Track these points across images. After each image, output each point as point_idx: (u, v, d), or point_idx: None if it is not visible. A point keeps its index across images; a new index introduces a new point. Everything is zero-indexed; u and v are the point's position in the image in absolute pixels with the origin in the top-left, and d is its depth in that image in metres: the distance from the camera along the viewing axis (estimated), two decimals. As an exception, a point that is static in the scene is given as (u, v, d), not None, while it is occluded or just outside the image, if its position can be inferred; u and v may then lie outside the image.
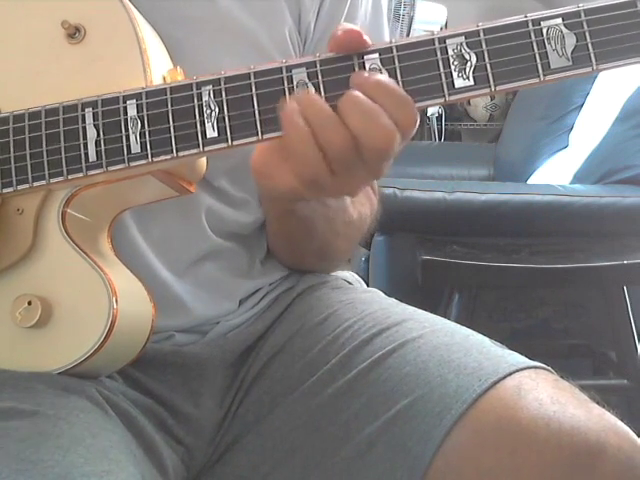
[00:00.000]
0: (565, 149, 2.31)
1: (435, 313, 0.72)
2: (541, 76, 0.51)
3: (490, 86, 0.51)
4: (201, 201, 0.70)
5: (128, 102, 0.55)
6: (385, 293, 0.80)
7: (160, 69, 0.58)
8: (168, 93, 0.55)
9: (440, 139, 3.21)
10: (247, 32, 0.69)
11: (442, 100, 0.52)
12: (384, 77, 0.51)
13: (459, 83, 0.51)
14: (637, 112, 1.93)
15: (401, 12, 2.64)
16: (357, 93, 0.51)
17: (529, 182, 2.31)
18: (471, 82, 0.51)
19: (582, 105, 2.25)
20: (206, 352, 0.70)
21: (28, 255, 0.59)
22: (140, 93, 0.55)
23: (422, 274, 1.64)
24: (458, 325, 0.70)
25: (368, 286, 0.84)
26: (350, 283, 0.82)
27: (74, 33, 0.58)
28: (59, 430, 0.53)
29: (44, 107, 0.57)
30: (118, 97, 0.56)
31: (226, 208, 0.72)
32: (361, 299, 0.75)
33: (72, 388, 0.58)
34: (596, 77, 2.35)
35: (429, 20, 2.77)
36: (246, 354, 0.73)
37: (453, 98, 0.52)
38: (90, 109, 0.56)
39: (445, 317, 0.72)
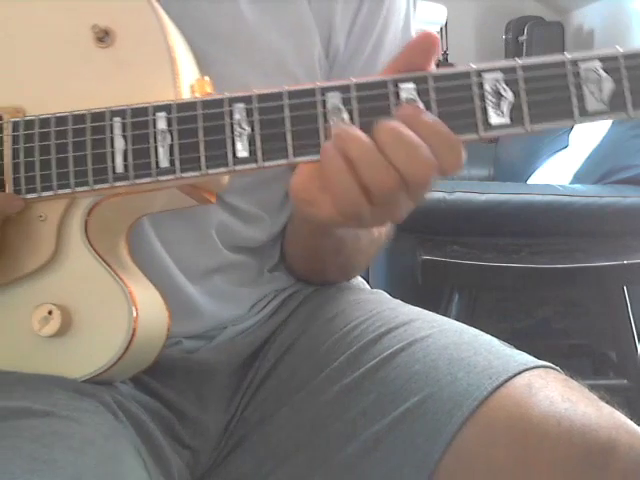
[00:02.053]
0: (565, 149, 2.31)
1: (435, 313, 0.72)
2: (577, 119, 0.49)
3: (525, 126, 0.50)
4: (213, 216, 0.69)
5: (158, 114, 0.54)
6: (385, 293, 0.80)
7: (188, 78, 0.57)
8: (199, 108, 0.54)
9: (440, 139, 3.20)
10: (275, 51, 0.68)
11: (476, 136, 0.50)
12: (432, 116, 0.50)
13: (494, 120, 0.50)
14: (637, 112, 1.93)
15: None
16: (402, 127, 0.49)
17: (529, 182, 2.31)
18: (507, 120, 0.50)
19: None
20: (214, 357, 0.70)
21: (49, 263, 0.58)
22: (170, 105, 0.54)
23: (422, 274, 1.64)
24: (465, 325, 0.70)
25: (370, 287, 0.84)
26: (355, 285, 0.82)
27: (103, 37, 0.57)
28: (72, 431, 0.53)
29: (71, 113, 0.56)
30: (148, 108, 0.54)
31: (239, 224, 0.72)
32: (368, 299, 0.76)
33: (85, 391, 0.58)
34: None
35: (429, 20, 2.77)
36: (253, 357, 0.73)
37: (487, 135, 0.50)
38: (119, 119, 0.55)
39: (445, 317, 0.72)
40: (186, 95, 0.56)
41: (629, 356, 1.70)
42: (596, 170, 1.97)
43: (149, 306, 0.59)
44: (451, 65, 3.38)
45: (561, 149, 2.32)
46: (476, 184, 2.20)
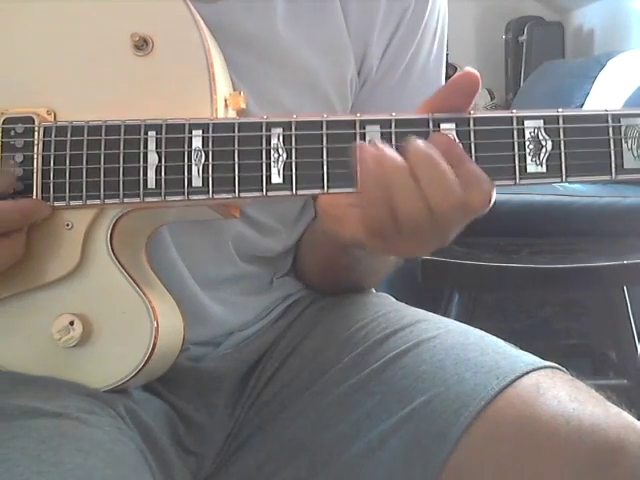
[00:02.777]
0: (565, 149, 2.31)
1: (435, 313, 0.72)
2: (613, 175, 0.50)
3: (562, 177, 0.50)
4: (230, 227, 0.69)
5: (194, 132, 0.53)
6: (385, 293, 0.80)
7: (223, 92, 0.57)
8: (236, 130, 0.53)
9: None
10: (307, 69, 0.68)
11: (512, 183, 0.50)
12: (462, 150, 0.50)
13: (531, 169, 0.50)
14: (637, 112, 1.93)
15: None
16: (434, 151, 0.50)
17: (529, 182, 2.31)
18: (543, 169, 0.50)
19: (582, 105, 2.25)
20: (222, 365, 0.70)
21: (74, 272, 0.58)
22: (207, 125, 0.54)
23: (422, 274, 1.64)
24: (471, 327, 0.70)
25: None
26: None
27: (142, 45, 0.56)
28: (80, 433, 0.53)
29: (105, 122, 0.55)
30: (184, 125, 0.54)
31: (255, 235, 0.72)
32: (373, 302, 0.76)
33: (97, 395, 0.58)
34: (596, 77, 2.35)
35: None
36: (258, 362, 0.73)
37: (523, 182, 0.50)
38: (154, 133, 0.54)
39: (445, 317, 0.72)
40: (221, 111, 0.56)
41: (629, 356, 1.70)
42: (596, 170, 1.97)
43: (168, 318, 0.59)
44: (452, 66, 3.38)
45: (561, 149, 2.32)
46: (476, 184, 2.20)
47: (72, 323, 0.57)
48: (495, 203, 1.82)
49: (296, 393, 0.68)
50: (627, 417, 0.59)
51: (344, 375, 0.66)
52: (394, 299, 0.79)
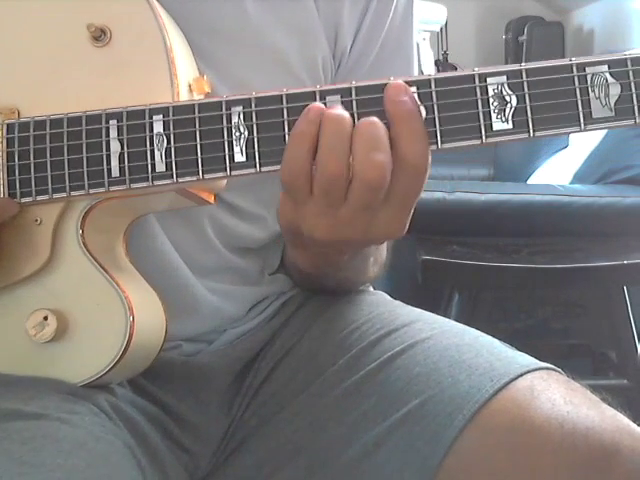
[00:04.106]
0: (565, 149, 2.31)
1: (435, 313, 0.72)
2: (582, 125, 0.48)
3: (529, 131, 0.49)
4: (207, 214, 0.69)
5: (154, 117, 0.53)
6: (385, 293, 0.80)
7: (186, 77, 0.57)
8: (196, 111, 0.53)
9: (440, 139, 3.20)
10: (278, 51, 0.67)
11: (478, 142, 0.50)
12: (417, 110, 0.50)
13: (497, 126, 0.49)
14: (637, 112, 1.93)
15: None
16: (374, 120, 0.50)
17: (529, 182, 2.31)
18: (510, 126, 0.49)
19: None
20: (213, 361, 0.70)
21: (45, 267, 0.58)
22: (167, 108, 0.53)
23: (422, 274, 1.64)
24: (466, 326, 0.70)
25: (373, 288, 0.84)
26: None
27: (99, 36, 0.56)
28: (62, 434, 0.53)
29: (66, 115, 0.55)
30: (144, 111, 0.54)
31: (238, 222, 0.71)
32: (368, 301, 0.75)
33: (79, 394, 0.58)
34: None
35: (429, 20, 2.77)
36: (253, 361, 0.72)
37: (490, 141, 0.49)
38: (115, 121, 0.54)
39: (445, 317, 0.72)
40: (184, 95, 0.56)
41: (629, 356, 1.70)
42: (596, 170, 1.97)
43: (146, 309, 0.59)
44: (452, 66, 3.38)
45: (561, 149, 2.32)
46: (476, 184, 2.20)
47: (46, 318, 0.57)
48: (495, 203, 1.81)
49: (293, 394, 0.68)
50: (622, 420, 0.58)
51: (339, 377, 0.66)
52: (389, 297, 0.78)
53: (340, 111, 0.50)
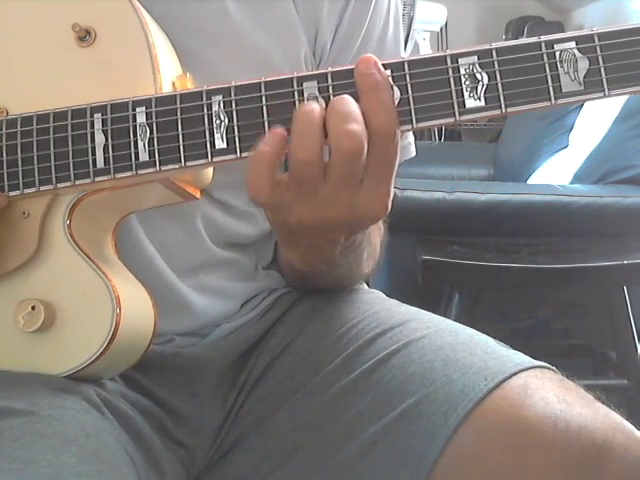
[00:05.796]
0: (565, 149, 2.31)
1: (435, 313, 0.72)
2: (552, 100, 0.50)
3: (501, 107, 0.51)
4: (199, 212, 0.69)
5: (137, 109, 0.55)
6: (385, 293, 0.79)
7: (170, 75, 0.58)
8: (178, 102, 0.54)
9: (440, 139, 3.21)
10: (260, 50, 0.68)
11: (452, 120, 0.51)
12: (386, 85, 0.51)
13: (470, 103, 0.51)
14: (637, 112, 1.93)
15: (401, 12, 2.64)
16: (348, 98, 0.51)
17: (529, 182, 2.31)
18: (482, 103, 0.51)
19: (582, 105, 2.25)
20: (206, 354, 0.70)
21: (33, 259, 0.59)
22: (150, 100, 0.55)
23: (422, 274, 1.64)
24: (462, 325, 0.70)
25: (368, 286, 0.84)
26: None
27: (84, 36, 0.58)
28: (53, 430, 0.53)
29: (53, 110, 0.57)
30: (127, 103, 0.55)
31: (229, 219, 0.72)
32: (364, 300, 0.75)
33: (70, 389, 0.58)
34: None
35: (429, 20, 2.77)
36: (248, 355, 0.73)
37: (463, 118, 0.51)
38: (99, 114, 0.56)
39: (445, 317, 0.72)
40: (167, 91, 0.57)
41: (629, 356, 1.71)
42: (596, 170, 1.97)
43: (134, 301, 0.60)
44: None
45: (561, 149, 2.32)
46: (476, 184, 2.20)
47: (34, 308, 0.58)
48: (495, 203, 1.82)
49: (289, 393, 0.68)
50: (616, 418, 0.58)
51: (335, 376, 0.66)
52: (385, 296, 0.78)
53: (310, 104, 0.51)
